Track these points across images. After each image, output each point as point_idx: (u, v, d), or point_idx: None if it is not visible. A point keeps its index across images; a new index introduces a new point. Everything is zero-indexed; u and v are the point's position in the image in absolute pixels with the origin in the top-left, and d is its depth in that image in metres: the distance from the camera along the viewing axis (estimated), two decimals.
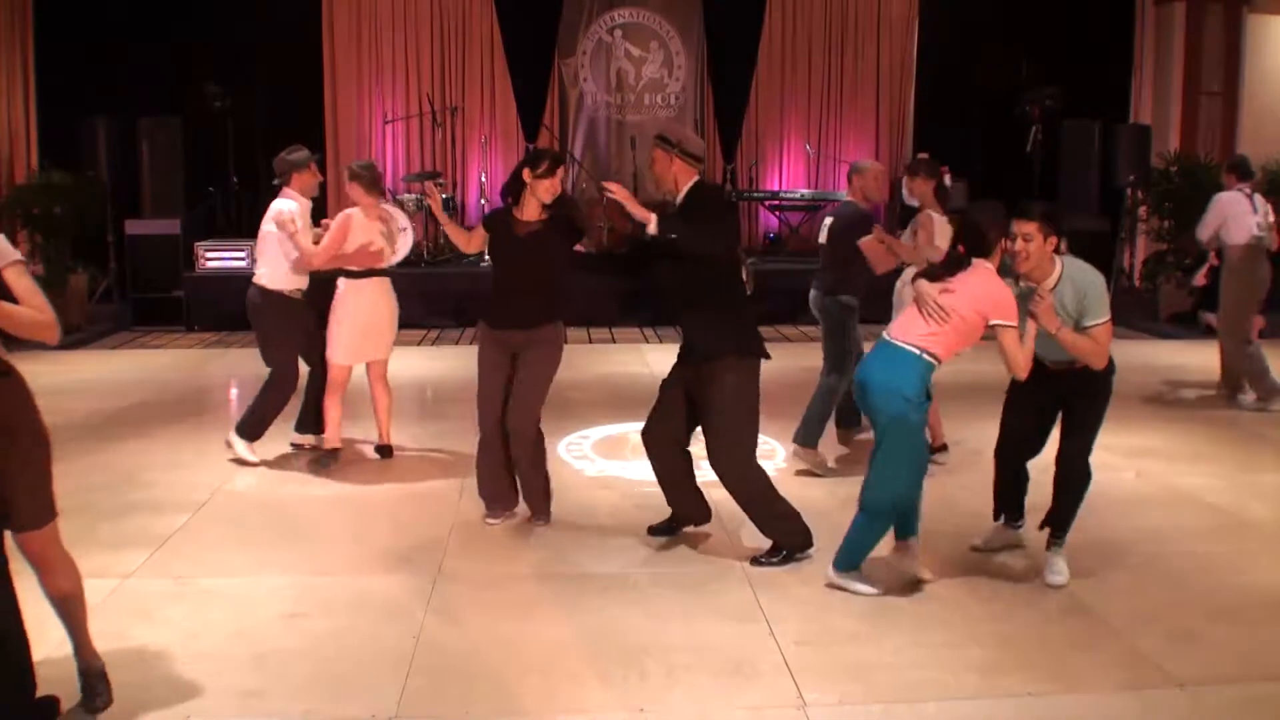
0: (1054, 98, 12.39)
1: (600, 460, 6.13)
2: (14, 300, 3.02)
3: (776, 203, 13.68)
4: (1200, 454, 6.33)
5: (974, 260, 4.13)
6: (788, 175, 14.36)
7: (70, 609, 3.27)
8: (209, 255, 10.98)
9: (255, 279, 5.92)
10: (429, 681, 3.53)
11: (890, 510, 4.18)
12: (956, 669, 3.63)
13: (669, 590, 4.28)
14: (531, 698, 3.44)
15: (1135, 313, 11.42)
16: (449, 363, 9.21)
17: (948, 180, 6.31)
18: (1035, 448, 4.55)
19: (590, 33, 13.86)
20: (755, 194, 13.81)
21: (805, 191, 13.88)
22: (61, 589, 3.22)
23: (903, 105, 14.43)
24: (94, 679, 3.33)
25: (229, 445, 5.96)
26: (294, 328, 5.91)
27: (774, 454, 6.31)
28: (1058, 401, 4.37)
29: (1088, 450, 4.34)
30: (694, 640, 3.83)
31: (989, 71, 13.48)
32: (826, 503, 5.37)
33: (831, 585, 4.25)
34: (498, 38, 13.51)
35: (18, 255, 3.06)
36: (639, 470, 5.82)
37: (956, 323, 4.06)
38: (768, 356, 4.49)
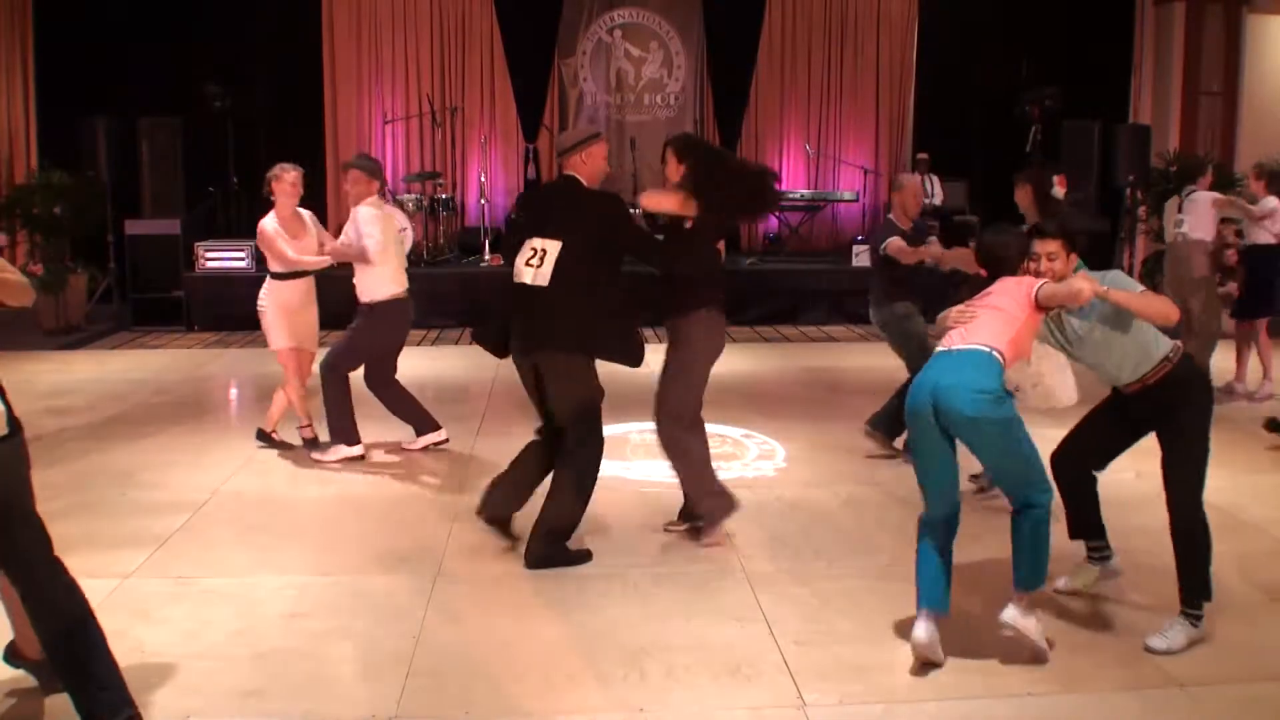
0: (1054, 98, 12.39)
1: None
2: None
3: None
4: None
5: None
6: (788, 175, 14.35)
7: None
8: (209, 255, 10.98)
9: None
10: (429, 681, 3.53)
11: (1046, 487, 3.74)
12: (957, 669, 3.63)
13: (669, 590, 4.28)
14: (531, 698, 3.44)
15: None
16: (449, 362, 9.21)
17: (1059, 191, 5.96)
18: (1094, 456, 4.12)
19: (590, 33, 13.86)
20: None
21: (805, 191, 13.88)
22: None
23: (903, 105, 14.43)
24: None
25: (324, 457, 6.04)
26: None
27: (774, 454, 6.31)
28: (1139, 425, 3.96)
29: (1198, 489, 3.79)
30: (694, 640, 3.83)
31: (989, 71, 13.48)
32: (825, 506, 5.37)
33: (1014, 625, 3.71)
34: (498, 38, 13.51)
35: None
36: (640, 470, 5.83)
37: (993, 315, 3.75)
38: None
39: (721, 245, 4.76)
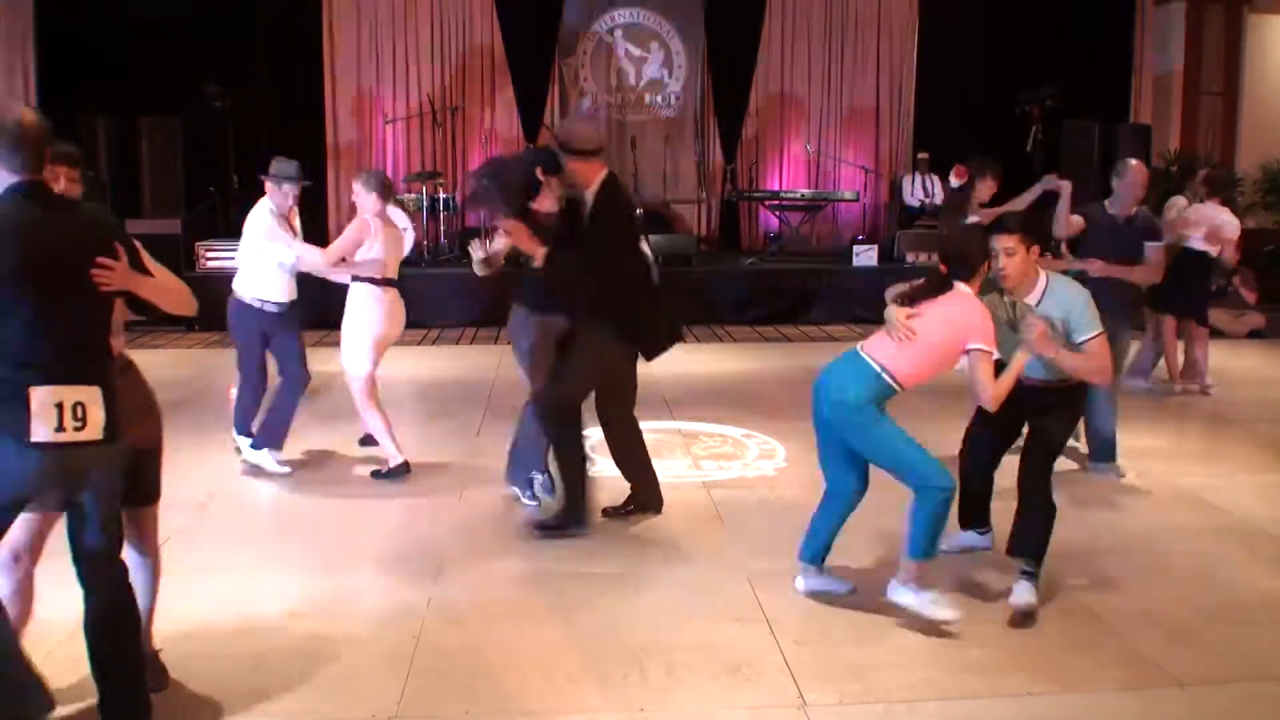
0: (1054, 97, 12.39)
1: (601, 460, 6.13)
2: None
3: (777, 203, 13.68)
4: (1200, 454, 6.33)
5: (955, 284, 3.95)
6: (788, 175, 14.36)
7: (157, 585, 3.55)
8: (209, 255, 10.98)
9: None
10: (429, 681, 3.54)
11: (940, 477, 3.88)
12: (956, 669, 3.63)
13: (669, 590, 4.28)
14: (531, 698, 3.44)
15: (1136, 312, 11.42)
16: (449, 362, 9.21)
17: (955, 181, 6.14)
18: (996, 453, 4.42)
19: (590, 32, 13.86)
20: (755, 194, 13.82)
21: (805, 191, 13.88)
22: (158, 563, 3.55)
23: (902, 105, 14.43)
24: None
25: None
26: None
27: (774, 454, 6.31)
28: (1024, 416, 4.20)
29: (1047, 472, 4.14)
30: (694, 640, 3.83)
31: (989, 71, 13.48)
32: None
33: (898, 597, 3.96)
34: (498, 37, 13.51)
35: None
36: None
37: (925, 348, 3.88)
38: None
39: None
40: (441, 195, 12.14)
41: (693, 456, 6.20)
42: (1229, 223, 7.84)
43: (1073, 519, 5.21)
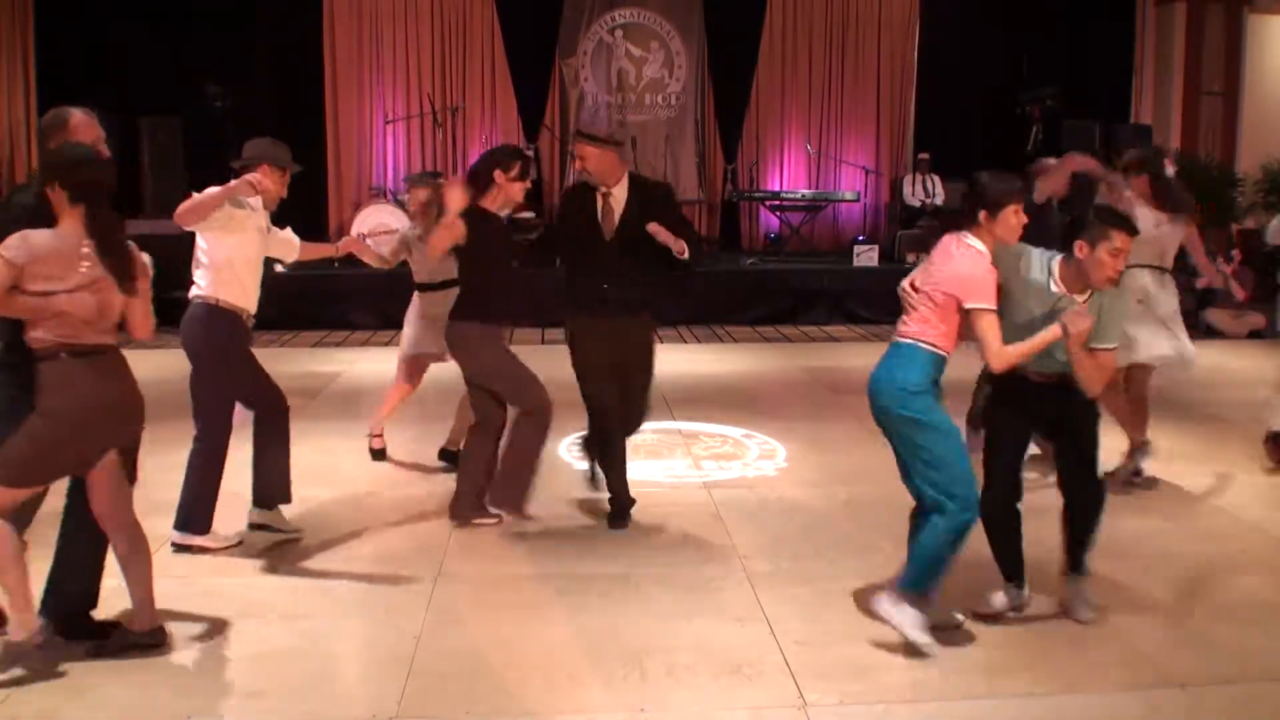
0: (1054, 98, 12.40)
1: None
2: None
3: (777, 203, 13.69)
4: (1200, 454, 6.32)
5: (967, 230, 3.71)
6: (788, 175, 14.37)
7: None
8: None
9: None
10: (429, 681, 3.53)
11: (974, 503, 3.68)
12: (957, 669, 3.63)
13: (670, 590, 4.28)
14: (532, 698, 3.44)
15: None
16: (450, 362, 9.19)
17: (1170, 170, 5.78)
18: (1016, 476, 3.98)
19: (591, 33, 13.86)
20: (756, 194, 13.83)
21: (806, 191, 13.89)
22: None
23: (903, 105, 14.44)
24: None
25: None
26: None
27: (774, 454, 6.31)
28: (1041, 423, 3.96)
29: (1096, 465, 3.94)
30: (695, 640, 3.83)
31: (990, 71, 13.48)
32: (825, 506, 5.36)
33: (883, 613, 3.74)
34: (498, 37, 13.52)
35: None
36: (639, 470, 5.82)
37: (928, 308, 3.68)
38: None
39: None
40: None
41: (693, 457, 6.20)
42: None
43: None
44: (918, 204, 13.12)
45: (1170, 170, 5.78)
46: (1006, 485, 3.91)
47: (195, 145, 11.89)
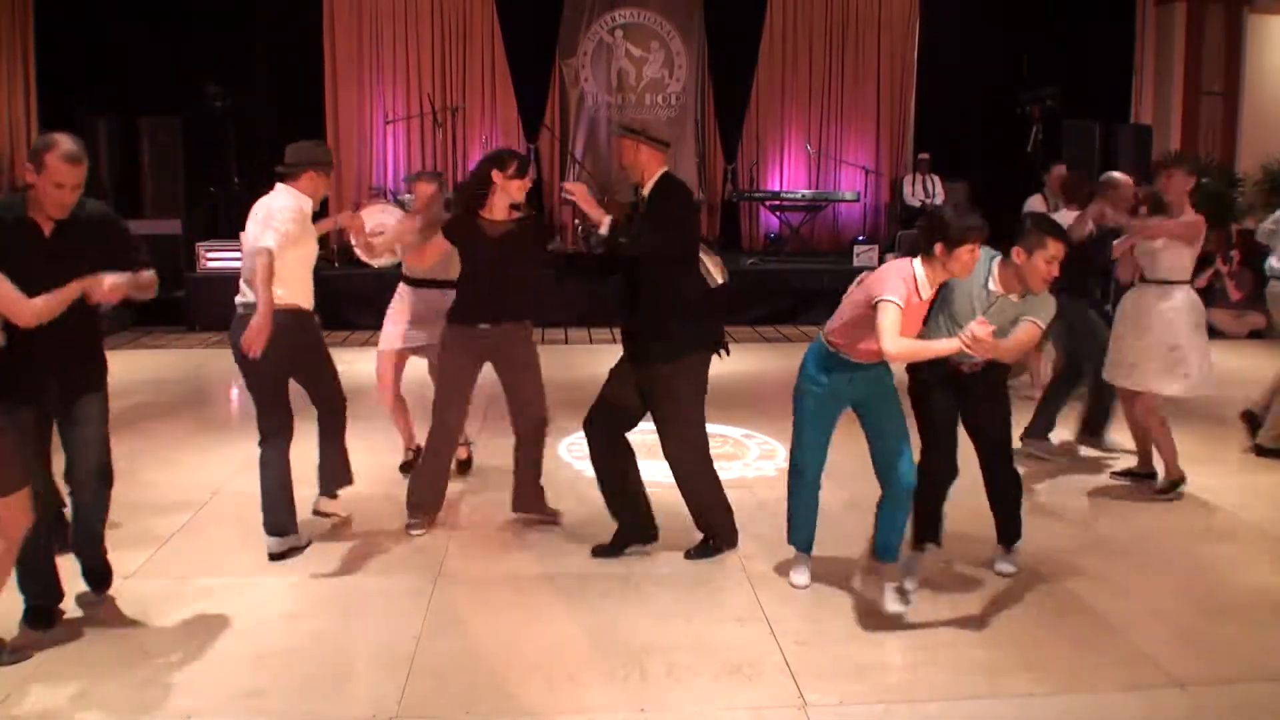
0: (1055, 98, 12.39)
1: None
2: None
3: (777, 203, 13.68)
4: (1200, 454, 6.32)
5: (920, 257, 3.92)
6: (788, 175, 14.36)
7: None
8: (210, 255, 10.99)
9: None
10: (429, 681, 3.54)
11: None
12: (957, 669, 3.63)
13: (670, 590, 4.28)
14: (532, 698, 3.44)
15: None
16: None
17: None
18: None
19: (591, 33, 13.86)
20: (756, 194, 13.83)
21: (806, 191, 13.89)
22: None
23: (903, 105, 14.44)
24: None
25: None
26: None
27: (774, 454, 6.31)
28: (960, 409, 4.33)
29: (1010, 447, 4.43)
30: (695, 640, 3.83)
31: (990, 71, 13.48)
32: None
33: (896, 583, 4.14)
34: (498, 37, 13.52)
35: None
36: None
37: (852, 316, 4.03)
38: (719, 351, 4.54)
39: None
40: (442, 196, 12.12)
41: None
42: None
43: (1072, 519, 5.22)
44: (918, 204, 13.12)
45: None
46: (943, 460, 4.32)
47: (195, 145, 11.90)
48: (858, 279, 4.16)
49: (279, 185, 4.66)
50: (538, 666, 3.64)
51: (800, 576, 4.32)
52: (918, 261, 3.91)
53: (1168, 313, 5.34)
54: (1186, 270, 5.43)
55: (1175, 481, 5.50)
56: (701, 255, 4.58)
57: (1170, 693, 3.50)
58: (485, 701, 3.42)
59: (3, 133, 11.98)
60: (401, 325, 5.74)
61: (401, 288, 5.74)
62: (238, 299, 4.73)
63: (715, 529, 4.71)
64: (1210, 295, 9.62)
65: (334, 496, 5.07)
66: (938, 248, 3.83)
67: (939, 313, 4.16)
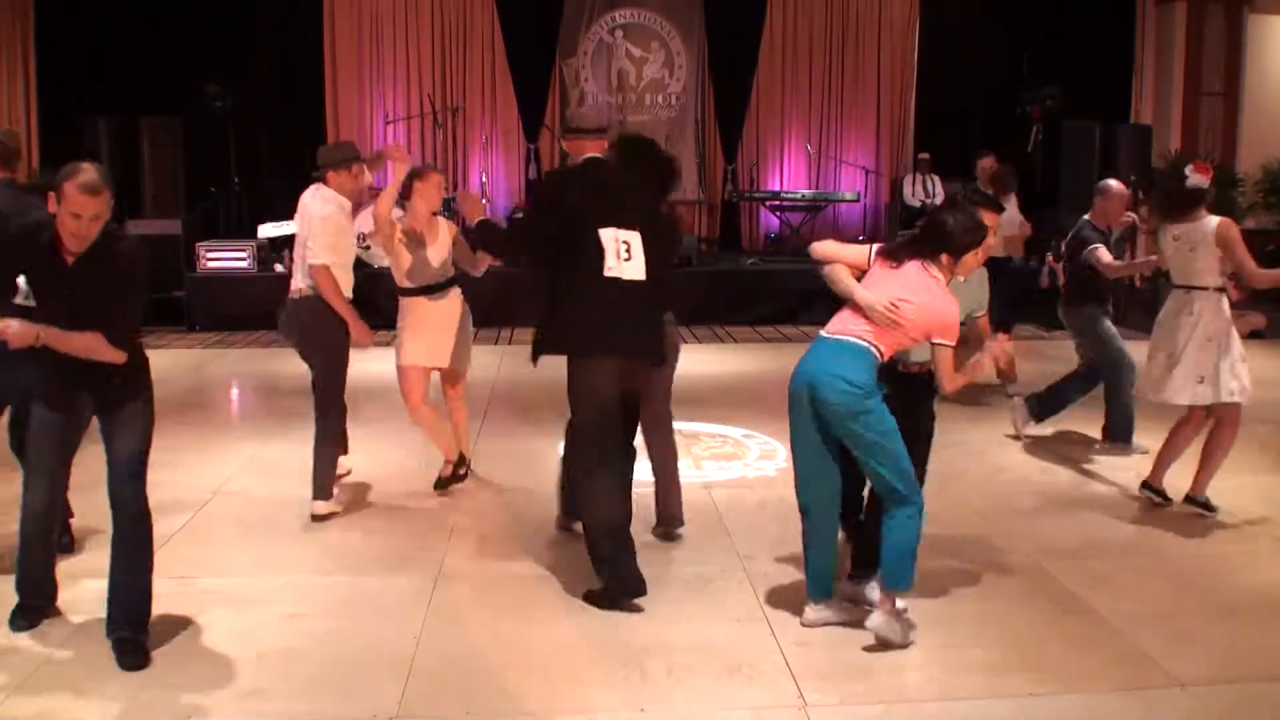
0: (1055, 98, 12.39)
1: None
2: None
3: (777, 203, 13.69)
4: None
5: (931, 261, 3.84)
6: (789, 175, 14.37)
7: None
8: (210, 255, 10.98)
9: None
10: (429, 681, 3.54)
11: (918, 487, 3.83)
12: (957, 669, 3.63)
13: (670, 590, 4.28)
14: (532, 698, 3.44)
15: (1137, 312, 11.43)
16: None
17: (1197, 178, 5.47)
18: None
19: (591, 33, 13.86)
20: (756, 194, 13.83)
21: (806, 191, 13.89)
22: None
23: (903, 105, 14.44)
24: None
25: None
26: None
27: (774, 454, 6.31)
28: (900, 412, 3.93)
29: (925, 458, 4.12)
30: (695, 640, 3.83)
31: (990, 71, 13.48)
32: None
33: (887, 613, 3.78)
34: (499, 38, 13.52)
35: None
36: (640, 471, 5.81)
37: (901, 335, 3.78)
38: (585, 354, 4.09)
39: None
40: (443, 195, 12.12)
41: (693, 457, 6.19)
42: (1011, 219, 7.76)
43: (1072, 518, 5.22)
44: (918, 204, 13.11)
45: (1198, 179, 5.35)
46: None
47: (195, 145, 11.90)
48: (875, 250, 3.94)
49: (313, 185, 5.22)
50: (538, 666, 3.64)
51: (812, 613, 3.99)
52: (936, 270, 3.84)
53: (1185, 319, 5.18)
54: (1205, 275, 5.16)
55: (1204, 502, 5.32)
56: (606, 243, 4.11)
57: (1170, 693, 3.50)
58: (485, 701, 3.42)
59: None
60: (423, 342, 5.46)
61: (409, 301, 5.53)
62: (293, 285, 5.21)
63: (596, 563, 4.19)
64: None
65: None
66: (944, 258, 3.85)
67: None
